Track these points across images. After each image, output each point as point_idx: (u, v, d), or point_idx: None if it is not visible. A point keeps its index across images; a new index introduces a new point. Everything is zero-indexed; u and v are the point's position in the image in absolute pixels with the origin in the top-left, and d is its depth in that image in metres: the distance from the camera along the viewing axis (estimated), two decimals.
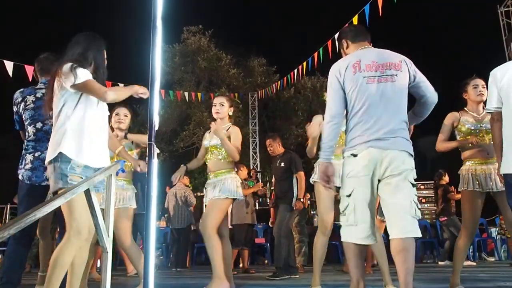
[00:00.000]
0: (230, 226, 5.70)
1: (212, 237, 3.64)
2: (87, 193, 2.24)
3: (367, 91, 2.57)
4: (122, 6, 17.47)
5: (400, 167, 2.51)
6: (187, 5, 13.47)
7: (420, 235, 2.50)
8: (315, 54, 9.31)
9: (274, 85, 14.27)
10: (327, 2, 20.20)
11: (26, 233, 2.98)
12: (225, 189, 3.72)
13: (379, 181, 2.55)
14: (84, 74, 2.54)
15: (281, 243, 5.41)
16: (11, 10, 18.33)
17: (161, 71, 2.56)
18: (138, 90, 2.75)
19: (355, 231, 2.53)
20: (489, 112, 2.87)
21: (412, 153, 2.59)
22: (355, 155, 2.54)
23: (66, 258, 2.40)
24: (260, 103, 16.71)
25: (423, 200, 11.88)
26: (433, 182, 9.74)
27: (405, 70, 2.64)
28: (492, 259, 9.38)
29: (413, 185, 2.55)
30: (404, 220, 2.46)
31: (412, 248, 2.46)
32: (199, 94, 14.02)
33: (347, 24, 7.37)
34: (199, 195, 10.49)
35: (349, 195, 2.55)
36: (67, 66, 2.53)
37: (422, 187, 12.12)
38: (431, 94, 2.72)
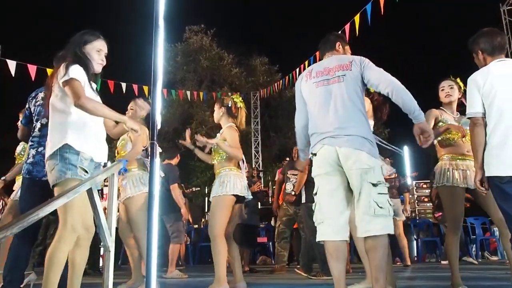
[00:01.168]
0: None
1: (218, 240, 3.59)
2: (90, 192, 2.25)
3: (316, 96, 2.78)
4: (123, 5, 17.47)
5: (354, 166, 2.55)
6: (189, 4, 13.48)
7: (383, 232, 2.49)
8: (317, 53, 9.30)
9: (276, 84, 14.27)
10: (328, 2, 20.18)
11: (29, 231, 2.97)
12: (224, 185, 3.68)
13: (347, 179, 2.61)
14: (74, 72, 2.48)
15: (312, 243, 5.30)
16: (11, 10, 18.37)
17: (163, 70, 2.56)
18: (131, 125, 2.62)
19: (323, 228, 2.61)
20: (470, 117, 2.82)
21: (369, 151, 2.57)
22: (314, 154, 2.70)
23: (61, 255, 2.36)
24: (262, 102, 16.73)
25: (425, 199, 11.85)
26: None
27: (354, 69, 2.74)
28: (495, 258, 9.36)
29: (374, 185, 2.53)
30: (363, 221, 2.52)
31: (379, 246, 2.48)
32: (201, 93, 14.02)
33: (348, 24, 7.38)
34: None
35: (315, 194, 2.70)
36: (63, 64, 2.54)
37: (424, 186, 12.11)
38: (385, 84, 2.66)
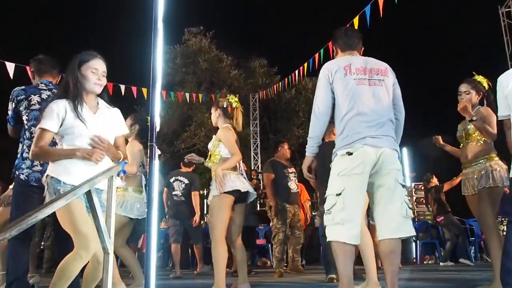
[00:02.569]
0: None
1: (217, 244, 3.55)
2: (88, 194, 2.24)
3: (358, 93, 2.66)
4: (123, 7, 17.48)
5: (391, 166, 2.59)
6: (188, 6, 13.47)
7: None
8: (316, 55, 9.32)
9: (275, 86, 14.27)
10: (328, 2, 20.20)
11: (27, 232, 2.96)
12: (212, 188, 3.66)
13: (370, 180, 2.60)
14: (44, 120, 2.56)
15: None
16: (11, 10, 18.36)
17: (162, 72, 2.56)
18: (86, 156, 2.54)
19: (342, 231, 2.53)
20: (501, 120, 2.86)
21: (399, 154, 2.69)
22: (350, 153, 2.58)
23: (73, 270, 2.41)
24: (261, 104, 16.72)
25: (424, 201, 11.82)
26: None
27: (390, 77, 2.79)
28: None
29: (403, 186, 2.62)
30: (394, 222, 2.54)
31: (399, 249, 2.54)
32: (200, 95, 14.02)
33: (348, 25, 7.38)
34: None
35: (339, 194, 2.56)
36: (49, 105, 2.60)
37: (423, 188, 12.08)
38: (400, 109, 2.86)
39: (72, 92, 2.60)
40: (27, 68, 7.82)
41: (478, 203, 3.59)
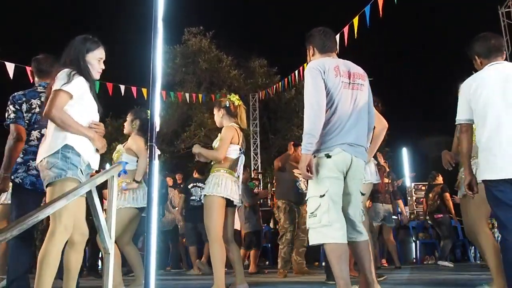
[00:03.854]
0: None
1: (214, 243, 3.57)
2: (89, 194, 2.25)
3: (343, 96, 2.68)
4: (122, 7, 17.50)
5: (359, 176, 2.75)
6: (188, 6, 13.47)
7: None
8: None
9: (275, 86, 14.28)
10: (328, 2, 20.22)
11: (28, 232, 2.96)
12: (217, 186, 3.65)
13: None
14: (70, 85, 2.50)
15: None
16: (11, 10, 18.36)
17: (162, 72, 2.57)
18: (96, 141, 2.62)
19: (330, 232, 2.55)
20: (459, 124, 2.90)
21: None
22: (329, 156, 2.63)
23: (54, 255, 2.34)
24: (261, 104, 16.72)
25: (424, 200, 11.82)
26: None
27: (367, 82, 2.84)
28: None
29: (362, 194, 2.90)
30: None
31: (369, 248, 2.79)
32: (200, 95, 14.02)
33: (348, 25, 7.38)
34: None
35: (323, 196, 2.60)
36: (62, 71, 2.56)
37: (423, 188, 12.07)
38: (373, 116, 2.94)
39: (84, 75, 2.65)
40: (27, 68, 7.84)
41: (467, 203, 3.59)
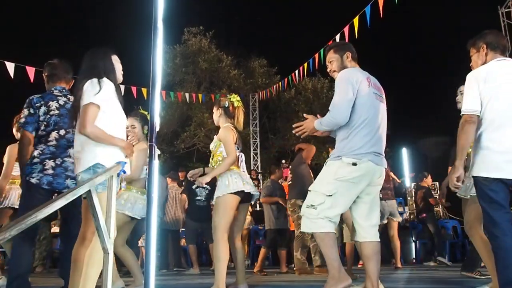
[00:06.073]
0: None
1: (219, 242, 3.53)
2: (89, 194, 2.24)
3: (373, 107, 2.85)
4: (123, 7, 17.48)
5: (380, 183, 2.93)
6: (188, 6, 13.48)
7: None
8: (316, 55, 9.32)
9: (275, 86, 14.29)
10: (328, 2, 20.20)
11: (31, 231, 2.97)
12: (228, 185, 3.61)
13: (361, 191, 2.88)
14: (99, 95, 2.54)
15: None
16: (11, 10, 18.36)
17: (162, 72, 2.57)
18: (127, 150, 2.72)
19: (323, 223, 2.77)
20: (466, 114, 2.67)
21: None
22: (355, 164, 2.77)
23: (100, 254, 2.44)
24: (260, 104, 16.74)
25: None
26: (432, 183, 9.78)
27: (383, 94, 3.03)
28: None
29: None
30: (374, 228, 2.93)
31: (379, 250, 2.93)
32: (199, 95, 14.02)
33: (348, 25, 7.39)
34: None
35: (330, 195, 2.78)
36: (87, 83, 2.58)
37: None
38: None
39: (110, 78, 2.69)
40: (27, 68, 7.84)
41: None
